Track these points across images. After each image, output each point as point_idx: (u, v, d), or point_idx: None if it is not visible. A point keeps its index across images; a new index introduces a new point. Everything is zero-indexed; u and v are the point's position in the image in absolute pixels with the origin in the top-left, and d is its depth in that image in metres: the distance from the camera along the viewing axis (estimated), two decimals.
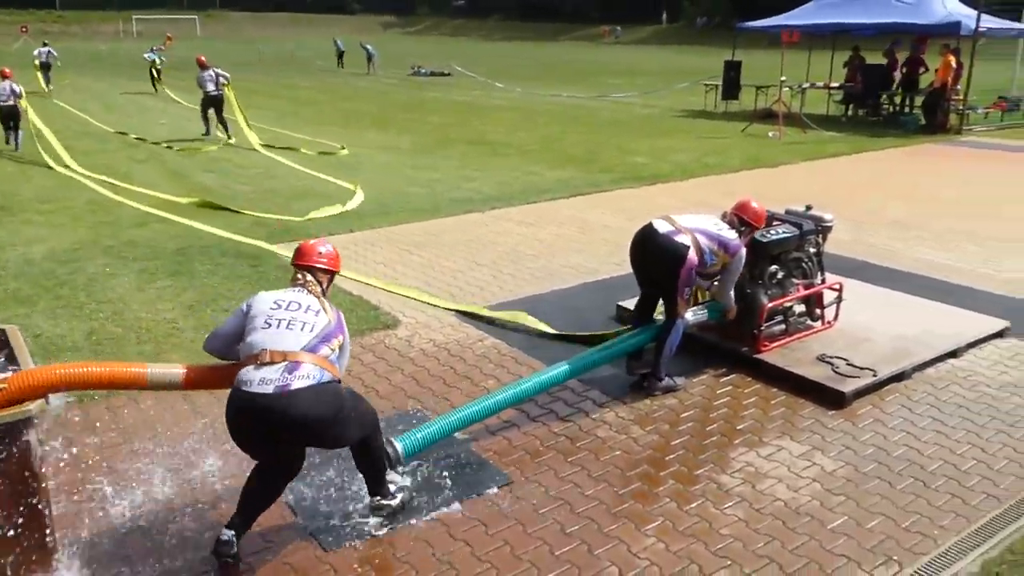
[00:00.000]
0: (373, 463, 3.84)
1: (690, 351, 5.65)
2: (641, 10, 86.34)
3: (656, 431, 4.69)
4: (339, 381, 3.56)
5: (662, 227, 5.13)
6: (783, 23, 20.05)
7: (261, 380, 3.33)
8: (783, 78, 17.12)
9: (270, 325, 3.49)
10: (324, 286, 3.77)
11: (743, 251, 5.18)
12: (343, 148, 14.50)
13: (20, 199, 10.62)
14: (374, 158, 13.73)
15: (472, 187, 11.33)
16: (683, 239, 5.02)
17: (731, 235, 5.14)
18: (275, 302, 3.59)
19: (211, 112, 15.86)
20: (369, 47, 36.20)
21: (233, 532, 3.50)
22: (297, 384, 3.33)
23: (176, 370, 3.74)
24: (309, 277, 3.74)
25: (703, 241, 5.04)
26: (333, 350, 3.54)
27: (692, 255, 4.96)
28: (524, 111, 20.96)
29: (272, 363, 3.37)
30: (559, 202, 10.50)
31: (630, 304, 6.42)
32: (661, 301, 5.34)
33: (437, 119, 19.16)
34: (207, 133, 16.12)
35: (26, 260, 7.93)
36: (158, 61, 26.15)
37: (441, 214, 9.84)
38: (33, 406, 3.58)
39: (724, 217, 5.37)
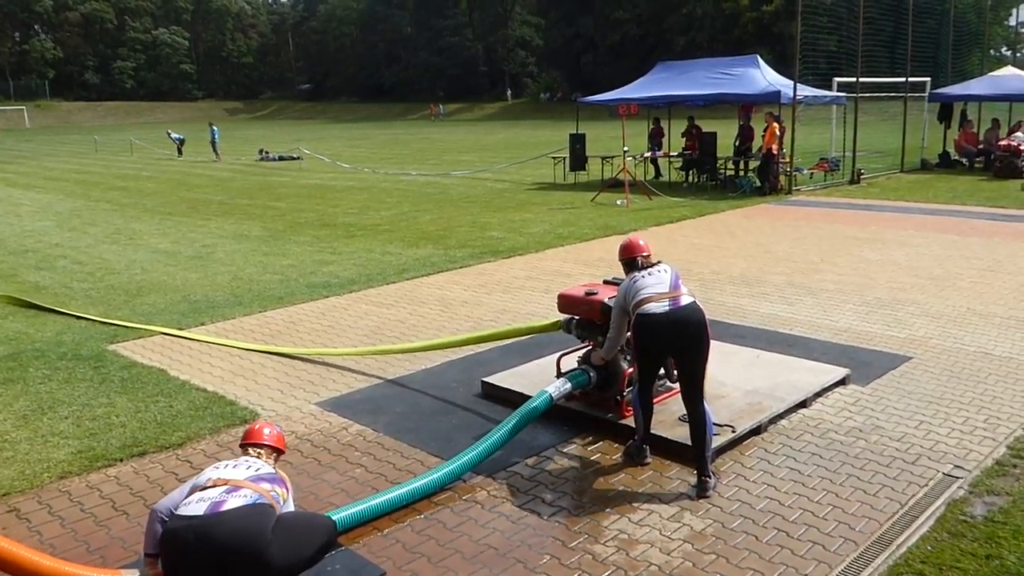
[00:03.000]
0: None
1: (557, 421, 5.70)
2: (487, 87, 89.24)
3: (529, 507, 4.65)
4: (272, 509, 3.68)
5: (687, 298, 4.85)
6: (620, 97, 21.11)
7: (199, 499, 3.50)
8: (625, 148, 17.93)
9: (217, 468, 3.74)
10: (272, 461, 4.06)
11: None
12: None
13: None
14: (223, 247, 13.32)
15: (328, 271, 11.15)
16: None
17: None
18: (220, 462, 3.88)
19: None
20: (214, 128, 35.51)
21: None
22: (230, 503, 3.47)
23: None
24: (256, 451, 4.04)
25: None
26: (276, 492, 3.72)
27: None
28: (375, 191, 20.98)
29: (213, 487, 3.55)
30: (418, 280, 10.48)
31: (495, 380, 6.46)
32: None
33: (286, 204, 18.88)
34: None
35: None
36: None
37: (298, 300, 9.60)
38: None
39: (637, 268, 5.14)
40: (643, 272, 5.03)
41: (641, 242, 5.32)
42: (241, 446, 4.15)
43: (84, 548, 4.35)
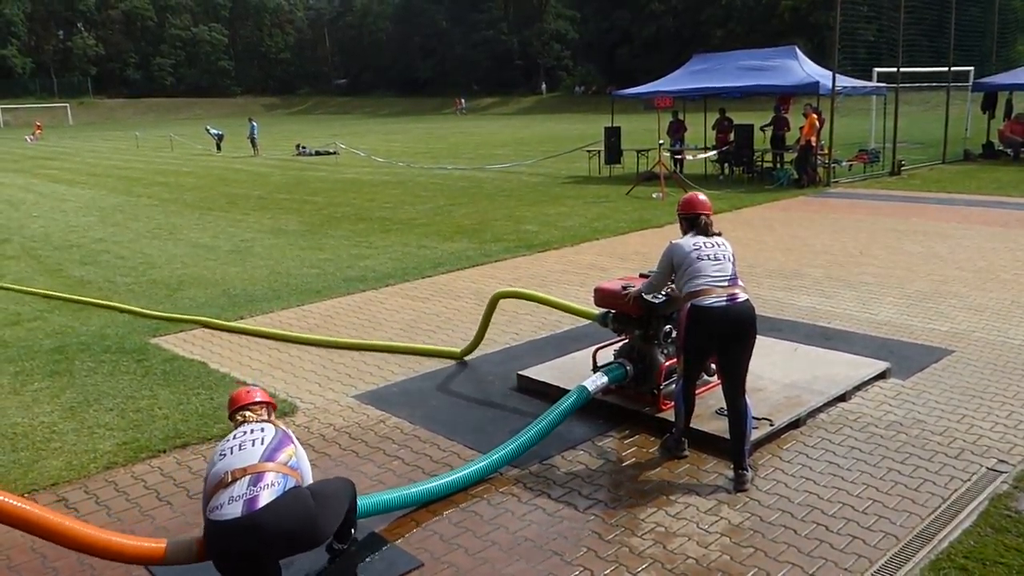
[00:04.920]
0: (347, 521, 4.02)
1: (594, 415, 5.70)
2: (521, 81, 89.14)
3: (566, 499, 4.66)
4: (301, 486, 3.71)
5: (742, 294, 4.79)
6: (656, 90, 20.98)
7: (230, 499, 3.47)
8: (661, 141, 17.83)
9: (224, 455, 3.68)
10: (265, 414, 4.00)
11: None
12: None
13: None
14: (261, 241, 13.48)
15: (365, 265, 11.24)
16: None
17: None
18: (224, 441, 3.81)
19: None
20: (253, 123, 36.08)
21: None
22: (264, 496, 3.47)
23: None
24: (248, 414, 3.96)
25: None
26: (290, 456, 3.71)
27: None
28: (410, 185, 21.07)
29: (235, 480, 3.52)
30: (453, 274, 10.52)
31: (531, 373, 6.48)
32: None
33: (323, 198, 19.04)
34: None
35: None
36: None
37: (335, 294, 9.70)
38: None
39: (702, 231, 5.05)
40: (702, 241, 4.93)
41: (702, 197, 5.18)
42: (232, 414, 4.02)
43: None
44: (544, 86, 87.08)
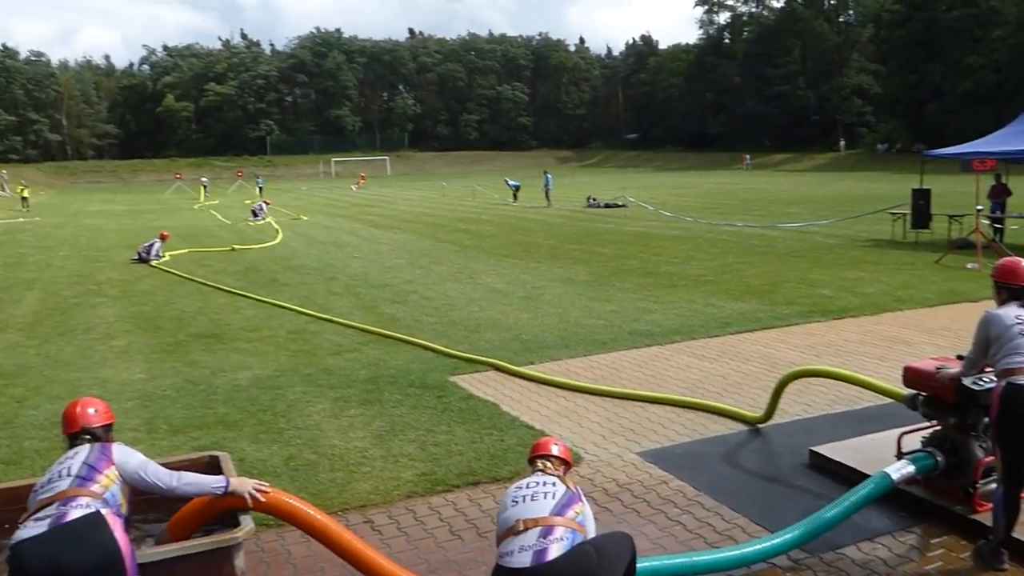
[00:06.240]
0: None
1: (896, 506, 5.26)
2: (817, 137, 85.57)
3: None
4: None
5: None
6: (975, 150, 19.16)
7: (520, 548, 3.62)
8: (979, 207, 16.25)
9: (516, 503, 3.83)
10: (562, 472, 4.09)
11: None
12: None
13: (231, 328, 11.57)
14: (552, 289, 14.02)
15: (650, 319, 11.29)
16: None
17: None
18: (516, 487, 3.96)
19: None
20: (548, 175, 38.49)
21: None
22: (554, 550, 3.58)
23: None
24: (547, 464, 4.09)
25: None
26: (578, 513, 3.82)
27: None
28: (698, 241, 20.89)
29: (526, 530, 3.67)
30: (742, 336, 10.24)
31: (826, 451, 6.12)
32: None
33: (611, 250, 19.42)
34: None
35: (234, 386, 8.56)
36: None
37: (620, 346, 9.83)
38: (241, 533, 3.85)
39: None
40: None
41: None
42: (533, 459, 4.16)
43: (425, 567, 4.77)
44: (843, 143, 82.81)
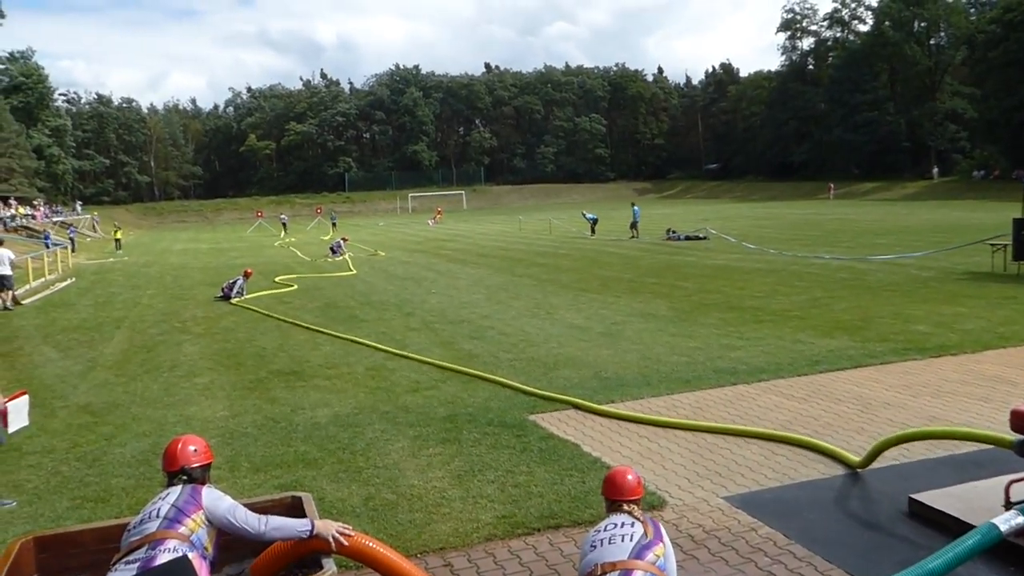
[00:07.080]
0: None
1: (1004, 560, 4.90)
2: (907, 165, 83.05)
3: None
4: None
5: None
6: None
7: None
8: None
9: (595, 547, 3.85)
10: (639, 512, 4.11)
11: None
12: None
13: (310, 365, 11.70)
14: (631, 325, 13.79)
15: (735, 356, 10.96)
16: None
17: None
18: (595, 530, 3.98)
19: None
20: (636, 208, 38.86)
21: None
22: None
23: None
24: (626, 507, 4.12)
25: None
26: (658, 556, 3.81)
27: None
28: (783, 274, 20.34)
29: (604, 574, 3.69)
30: (833, 374, 9.83)
31: (926, 499, 5.76)
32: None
33: (692, 284, 19.06)
34: None
35: (313, 423, 8.61)
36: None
37: (705, 385, 9.55)
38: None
39: None
40: None
41: None
42: (613, 502, 4.16)
43: None
44: (936, 170, 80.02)
